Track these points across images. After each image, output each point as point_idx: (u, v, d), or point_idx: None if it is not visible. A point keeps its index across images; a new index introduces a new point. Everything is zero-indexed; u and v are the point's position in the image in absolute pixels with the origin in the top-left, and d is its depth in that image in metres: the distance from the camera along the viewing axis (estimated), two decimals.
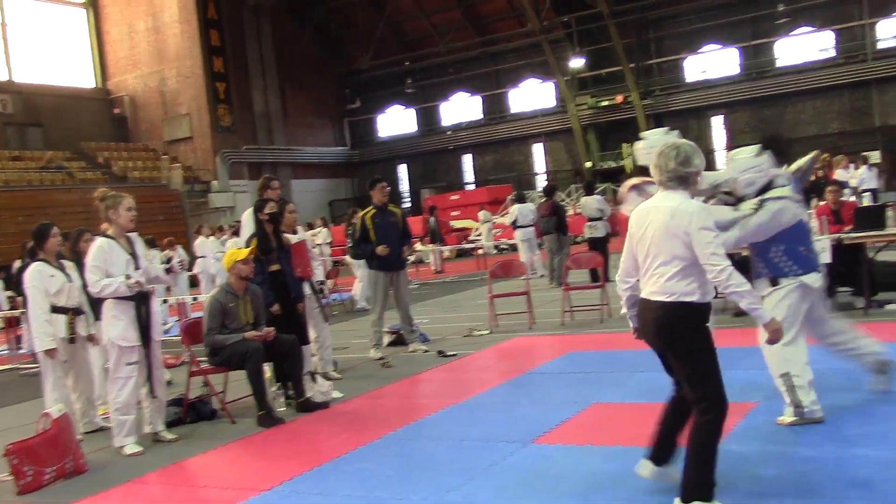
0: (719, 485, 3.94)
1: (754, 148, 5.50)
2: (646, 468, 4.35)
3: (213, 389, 7.39)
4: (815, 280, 5.33)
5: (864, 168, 19.05)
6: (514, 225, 17.61)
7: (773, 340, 4.13)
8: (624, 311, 4.37)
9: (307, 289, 8.28)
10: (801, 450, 4.82)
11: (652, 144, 5.34)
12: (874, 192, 18.28)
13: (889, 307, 9.12)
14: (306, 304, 8.16)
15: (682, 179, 4.06)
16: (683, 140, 4.23)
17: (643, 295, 4.13)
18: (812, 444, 4.89)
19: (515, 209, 17.71)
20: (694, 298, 3.94)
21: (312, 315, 8.40)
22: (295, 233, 8.46)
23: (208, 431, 6.98)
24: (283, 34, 39.81)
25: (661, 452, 4.30)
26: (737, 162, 5.47)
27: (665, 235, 3.96)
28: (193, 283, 19.31)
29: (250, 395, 7.05)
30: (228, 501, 5.05)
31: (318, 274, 8.85)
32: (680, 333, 3.99)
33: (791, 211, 5.31)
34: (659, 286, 4.00)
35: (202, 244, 19.02)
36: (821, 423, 5.19)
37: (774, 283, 5.33)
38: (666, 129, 5.91)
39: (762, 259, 5.40)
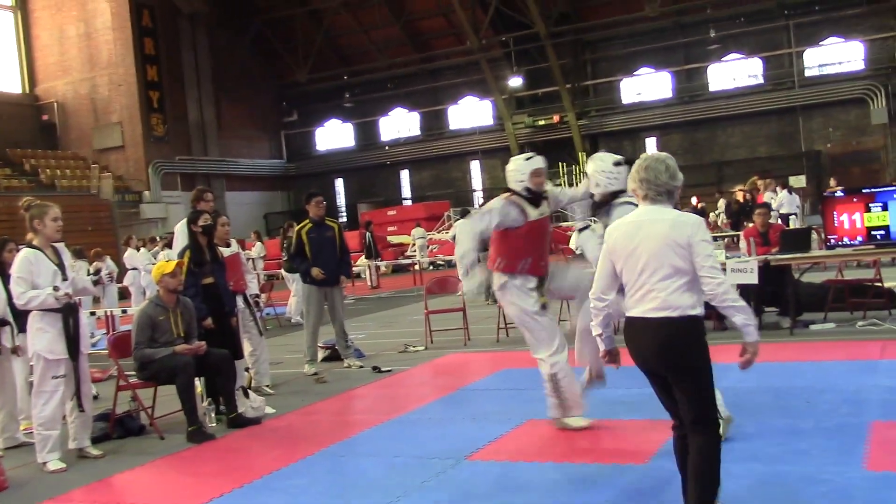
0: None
1: (616, 157, 5.78)
2: None
3: (141, 404, 7.22)
4: None
5: (783, 192, 19.58)
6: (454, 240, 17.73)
7: (747, 363, 3.86)
8: (597, 332, 4.10)
9: (241, 302, 8.18)
10: (727, 466, 4.91)
11: (509, 171, 6.12)
12: (788, 216, 18.63)
13: (813, 327, 9.38)
14: (241, 318, 8.07)
15: (670, 193, 4.02)
16: (665, 154, 4.24)
17: (636, 314, 3.89)
18: (738, 460, 5.00)
19: (458, 225, 17.85)
20: (697, 312, 3.82)
21: (247, 329, 8.30)
22: (228, 245, 8.35)
23: (136, 447, 6.81)
24: (219, 44, 39.38)
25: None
26: (597, 161, 5.76)
27: (665, 248, 3.82)
28: (123, 295, 18.89)
29: (180, 410, 6.92)
30: None
31: (253, 287, 8.74)
32: (688, 349, 3.82)
33: None
34: (660, 301, 3.80)
35: (132, 256, 18.65)
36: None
37: None
38: (530, 154, 6.29)
39: None
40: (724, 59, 35.23)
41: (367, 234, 23.52)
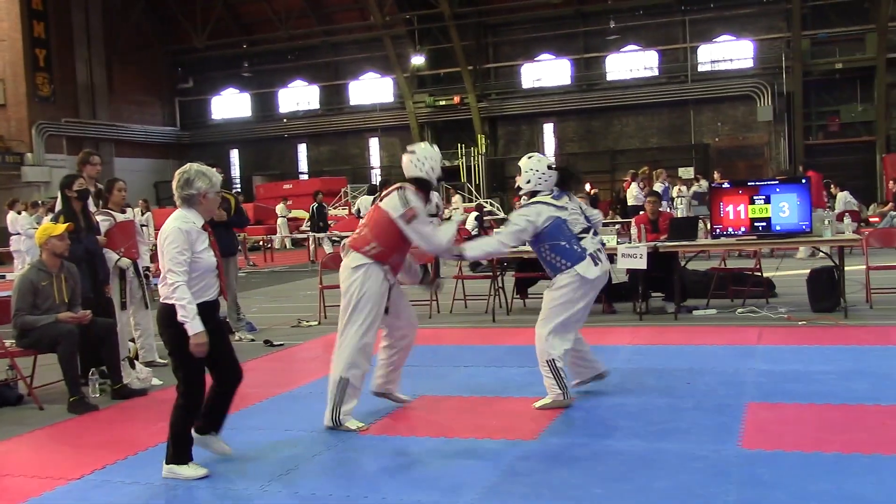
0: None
1: (549, 161, 6.13)
2: None
3: (19, 373, 6.94)
4: (588, 270, 5.76)
5: (658, 184, 20.19)
6: (359, 215, 17.90)
7: (196, 353, 4.63)
8: None
9: (131, 272, 7.93)
10: (612, 443, 5.08)
11: (421, 157, 5.76)
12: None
13: (696, 313, 9.76)
14: (129, 288, 7.88)
15: (185, 200, 4.80)
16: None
17: None
18: (621, 438, 5.17)
19: (360, 200, 18.01)
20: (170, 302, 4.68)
21: (134, 300, 8.06)
22: (124, 212, 8.10)
23: (13, 417, 6.55)
24: (111, 4, 37.87)
25: None
26: (535, 161, 6.05)
27: None
28: (1, 260, 18.07)
29: (60, 380, 6.68)
30: (33, 491, 4.75)
31: (145, 259, 8.44)
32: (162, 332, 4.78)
33: (546, 213, 5.86)
34: None
35: (14, 220, 17.84)
36: (570, 406, 5.78)
37: (555, 278, 5.89)
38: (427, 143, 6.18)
39: (541, 260, 6.04)
40: (621, 49, 36.01)
41: (315, 205, 21.19)
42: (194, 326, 4.56)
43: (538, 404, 5.85)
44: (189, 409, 4.77)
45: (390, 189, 5.83)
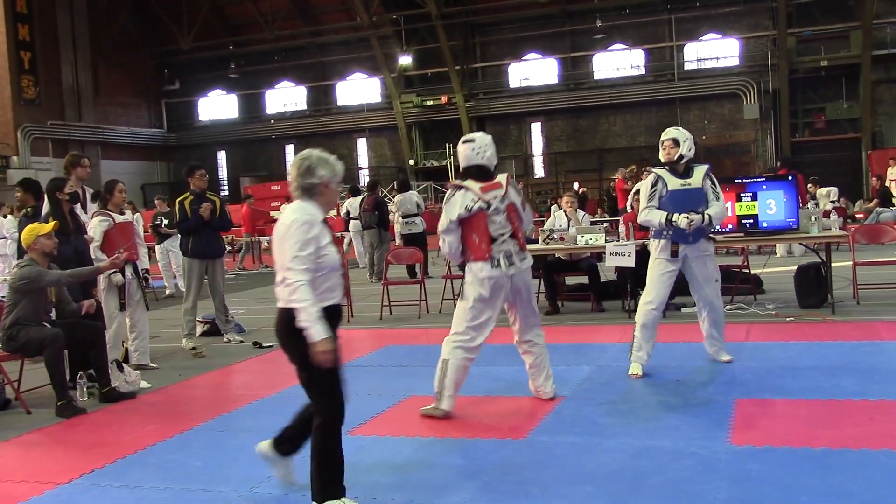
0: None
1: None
2: None
3: (7, 377, 6.89)
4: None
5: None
6: (347, 217, 17.91)
7: (320, 362, 3.96)
8: None
9: (130, 273, 7.91)
10: (602, 441, 5.09)
11: (481, 145, 5.77)
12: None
13: (685, 310, 9.76)
14: (128, 290, 7.90)
15: (305, 190, 4.17)
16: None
17: None
18: (611, 436, 5.18)
19: (347, 202, 17.96)
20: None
21: (131, 303, 8.03)
22: (123, 213, 8.09)
23: (0, 422, 6.50)
24: (97, 6, 37.67)
25: None
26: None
27: (277, 244, 4.07)
28: None
29: (48, 384, 6.64)
30: (21, 496, 4.72)
31: (144, 262, 8.40)
32: (286, 338, 4.09)
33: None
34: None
35: (0, 224, 17.69)
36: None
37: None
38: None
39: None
40: (608, 48, 36.09)
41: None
42: (318, 332, 3.89)
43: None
44: (334, 427, 4.07)
45: (451, 189, 5.83)
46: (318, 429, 4.05)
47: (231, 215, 10.68)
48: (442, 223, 5.70)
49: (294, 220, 4.04)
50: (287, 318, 3.98)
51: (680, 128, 6.86)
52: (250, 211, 21.59)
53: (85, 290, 7.38)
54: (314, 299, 3.92)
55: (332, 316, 4.06)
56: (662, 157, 6.72)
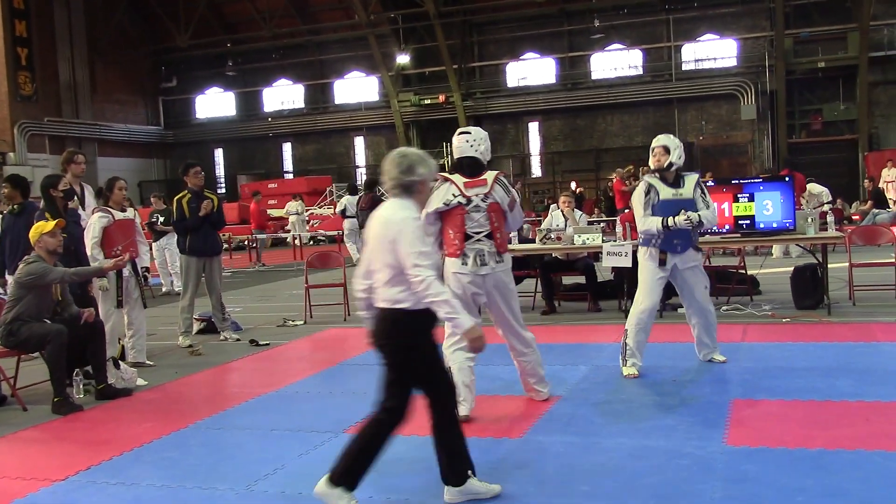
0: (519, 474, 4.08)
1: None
2: None
3: (3, 374, 6.88)
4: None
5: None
6: (344, 215, 17.91)
7: (472, 349, 4.11)
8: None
9: (129, 269, 7.90)
10: (598, 440, 5.10)
11: (476, 138, 5.81)
12: None
13: (681, 310, 9.75)
14: (127, 287, 7.91)
15: (405, 188, 4.10)
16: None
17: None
18: (608, 436, 5.18)
19: (345, 200, 18.03)
20: (406, 305, 3.96)
21: (129, 301, 8.02)
22: (124, 210, 8.09)
23: None
24: (94, 3, 37.58)
25: None
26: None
27: (378, 244, 4.03)
28: None
29: (44, 381, 6.64)
30: (17, 493, 4.72)
31: (145, 260, 8.39)
32: (390, 339, 4.07)
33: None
34: (380, 292, 4.06)
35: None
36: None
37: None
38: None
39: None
40: (606, 48, 36.09)
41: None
42: (466, 320, 3.90)
43: None
44: (453, 408, 4.26)
45: (439, 180, 5.78)
46: (441, 415, 4.20)
47: (226, 214, 10.67)
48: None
49: (405, 217, 4.00)
50: (408, 320, 3.97)
51: (671, 135, 6.86)
52: (258, 208, 21.69)
53: (83, 288, 7.39)
54: (447, 290, 3.95)
55: (435, 317, 4.00)
56: (652, 163, 6.73)
